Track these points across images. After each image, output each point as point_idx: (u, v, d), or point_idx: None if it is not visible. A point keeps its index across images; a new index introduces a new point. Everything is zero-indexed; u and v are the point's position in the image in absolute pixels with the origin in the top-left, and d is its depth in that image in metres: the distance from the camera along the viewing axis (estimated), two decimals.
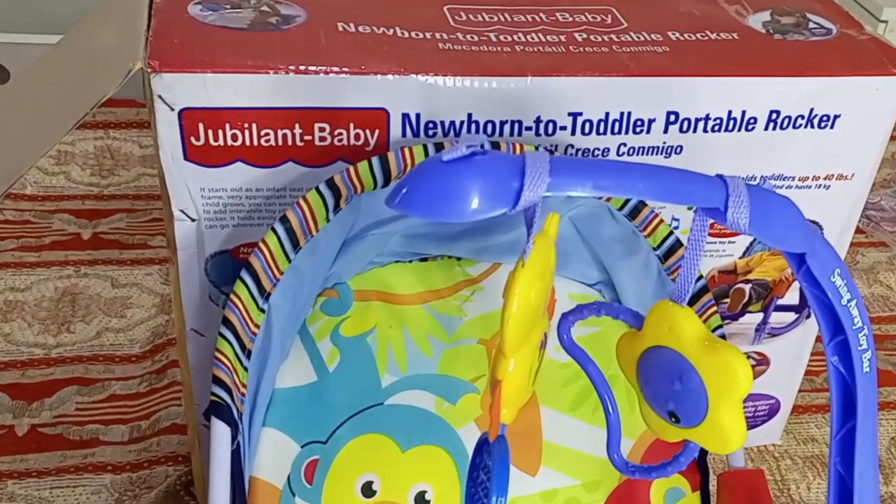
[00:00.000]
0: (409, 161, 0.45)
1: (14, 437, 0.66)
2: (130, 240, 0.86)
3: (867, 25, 0.56)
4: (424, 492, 0.45)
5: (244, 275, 0.42)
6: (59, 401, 0.69)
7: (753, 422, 0.66)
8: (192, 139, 0.46)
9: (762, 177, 0.30)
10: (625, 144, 0.50)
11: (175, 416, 0.68)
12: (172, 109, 0.45)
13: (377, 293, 0.47)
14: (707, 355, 0.31)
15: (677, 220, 0.54)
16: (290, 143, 0.47)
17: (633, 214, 0.47)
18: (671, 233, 0.47)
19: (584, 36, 0.52)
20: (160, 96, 0.45)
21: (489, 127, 0.48)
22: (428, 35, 0.50)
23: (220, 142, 0.46)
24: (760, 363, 0.63)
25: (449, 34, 0.50)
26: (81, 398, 0.69)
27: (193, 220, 0.48)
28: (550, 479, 0.47)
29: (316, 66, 0.45)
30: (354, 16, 0.50)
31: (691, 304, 0.46)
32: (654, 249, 0.47)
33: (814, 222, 0.57)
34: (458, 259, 0.49)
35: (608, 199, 0.47)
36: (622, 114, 0.49)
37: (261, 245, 0.43)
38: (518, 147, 0.46)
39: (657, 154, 0.51)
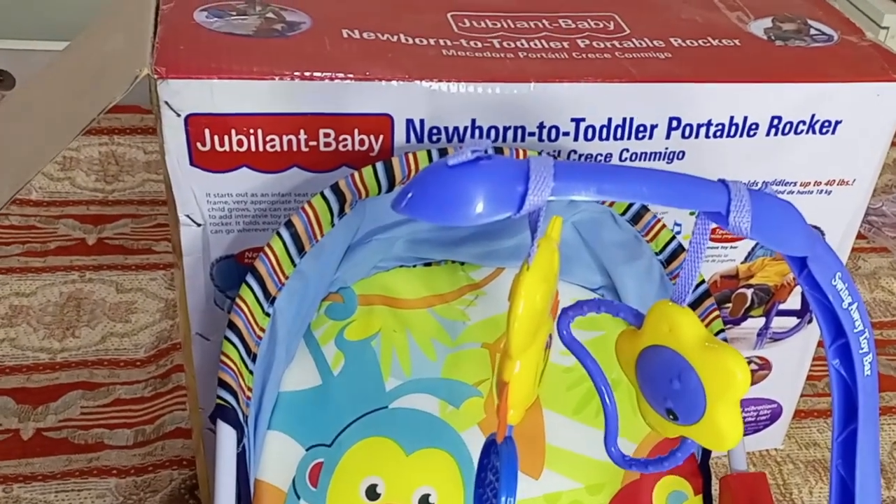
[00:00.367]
0: (413, 166, 0.45)
1: (19, 440, 0.66)
2: (135, 245, 0.86)
3: (868, 32, 0.56)
4: (428, 495, 0.45)
5: (250, 279, 0.42)
6: (64, 405, 0.69)
7: (755, 426, 0.66)
8: (198, 145, 0.46)
9: (764, 182, 0.30)
10: (627, 150, 0.51)
11: (180, 421, 0.68)
12: (179, 115, 0.45)
13: (381, 297, 0.47)
14: (706, 356, 0.32)
15: (679, 224, 0.54)
16: (295, 148, 0.47)
17: (635, 219, 0.47)
18: (673, 238, 0.48)
19: (587, 42, 0.52)
20: (166, 102, 0.45)
21: (492, 132, 0.49)
22: (432, 41, 0.50)
23: (226, 147, 0.47)
24: (762, 368, 0.63)
25: (453, 41, 0.51)
26: (86, 402, 0.70)
27: (199, 225, 0.49)
28: (554, 482, 0.47)
29: (321, 73, 0.46)
30: (359, 23, 0.51)
31: (693, 308, 0.47)
32: (657, 254, 0.48)
33: (815, 227, 0.57)
34: (462, 264, 0.49)
35: (611, 204, 0.47)
36: (625, 119, 0.50)
37: (266, 250, 0.43)
38: (521, 152, 0.46)
39: (659, 160, 0.52)
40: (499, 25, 0.53)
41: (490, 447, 0.35)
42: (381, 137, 0.48)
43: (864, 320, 0.32)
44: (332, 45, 0.48)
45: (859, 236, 0.91)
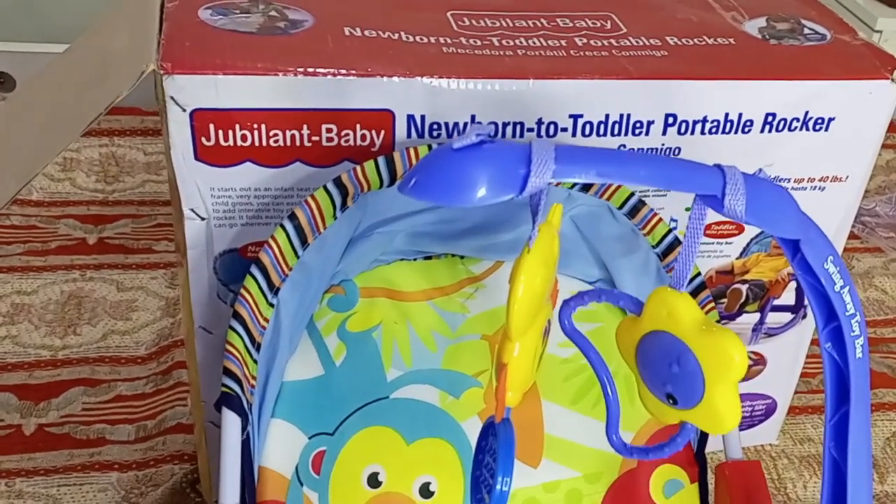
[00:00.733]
0: (414, 161, 0.46)
1: (21, 436, 0.67)
2: (135, 244, 0.87)
3: (861, 34, 0.57)
4: (429, 483, 0.46)
5: (254, 270, 0.43)
6: (65, 401, 0.70)
7: (750, 421, 0.67)
8: (203, 139, 0.47)
9: (759, 168, 0.31)
10: (624, 146, 0.52)
11: (181, 416, 0.69)
12: (184, 110, 0.46)
13: (383, 290, 0.48)
14: (704, 338, 0.32)
15: (675, 220, 0.55)
16: (297, 143, 0.48)
17: (632, 213, 0.48)
18: (670, 231, 0.48)
19: (585, 41, 0.53)
20: (172, 97, 0.46)
21: (492, 128, 0.50)
22: (432, 39, 0.51)
23: (230, 142, 0.47)
24: (757, 363, 0.64)
25: (452, 38, 0.51)
26: (88, 399, 0.70)
27: (203, 218, 0.49)
28: (552, 471, 0.48)
29: (324, 69, 0.47)
30: (360, 21, 0.52)
31: None
32: (653, 247, 0.49)
33: None
34: (462, 257, 0.50)
35: (608, 198, 0.48)
36: (622, 116, 0.51)
37: (270, 241, 0.44)
38: None
39: None
40: (498, 24, 0.54)
41: (488, 430, 0.36)
42: (383, 133, 0.49)
43: (856, 303, 0.33)
44: (335, 43, 0.49)
45: (853, 236, 0.92)
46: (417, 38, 0.51)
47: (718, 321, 0.48)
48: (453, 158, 0.27)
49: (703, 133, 0.52)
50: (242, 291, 0.43)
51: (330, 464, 0.45)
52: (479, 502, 0.35)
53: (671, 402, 0.34)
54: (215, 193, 0.49)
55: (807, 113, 0.53)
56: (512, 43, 0.52)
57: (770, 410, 0.67)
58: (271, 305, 0.43)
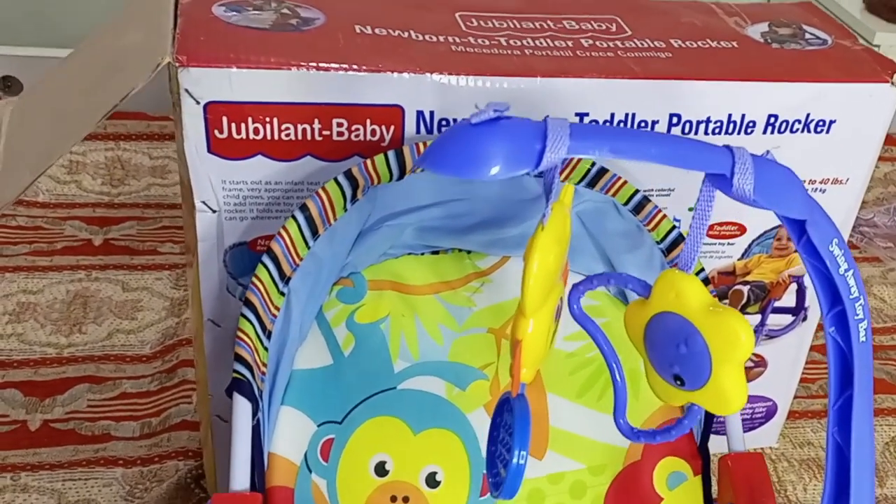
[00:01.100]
0: None
1: (27, 431, 0.67)
2: (141, 246, 0.88)
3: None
4: (435, 472, 0.46)
5: (265, 259, 0.44)
6: (71, 398, 0.70)
7: (751, 423, 0.68)
8: (216, 132, 0.48)
9: (766, 150, 0.32)
10: None
11: (185, 414, 0.69)
12: (198, 103, 0.47)
13: (391, 283, 0.49)
14: (711, 319, 0.33)
15: (678, 220, 0.56)
16: (309, 137, 0.49)
17: (637, 209, 0.49)
18: (674, 227, 0.49)
19: (591, 42, 0.54)
20: (187, 90, 0.47)
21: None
22: (441, 38, 0.52)
23: (243, 135, 0.48)
24: (758, 365, 0.65)
25: (461, 38, 0.52)
26: (93, 396, 0.71)
27: (214, 211, 0.50)
28: (557, 462, 0.48)
29: (336, 64, 0.47)
30: (371, 20, 0.53)
31: None
32: (658, 243, 0.49)
33: None
34: (469, 252, 0.51)
35: (614, 194, 0.49)
36: (627, 115, 0.51)
37: (282, 232, 0.44)
38: None
39: None
40: (505, 25, 0.55)
41: (503, 406, 0.36)
42: (392, 128, 0.49)
43: (860, 287, 0.34)
44: (346, 40, 0.50)
45: (852, 246, 0.93)
46: (427, 37, 0.52)
47: None
48: (470, 133, 0.28)
49: (706, 133, 0.53)
50: (254, 280, 0.44)
51: (338, 452, 0.45)
52: (496, 476, 0.36)
53: (678, 383, 0.35)
54: (227, 186, 0.50)
55: (808, 115, 0.54)
56: (519, 43, 0.53)
57: (770, 413, 0.68)
58: (282, 294, 0.44)
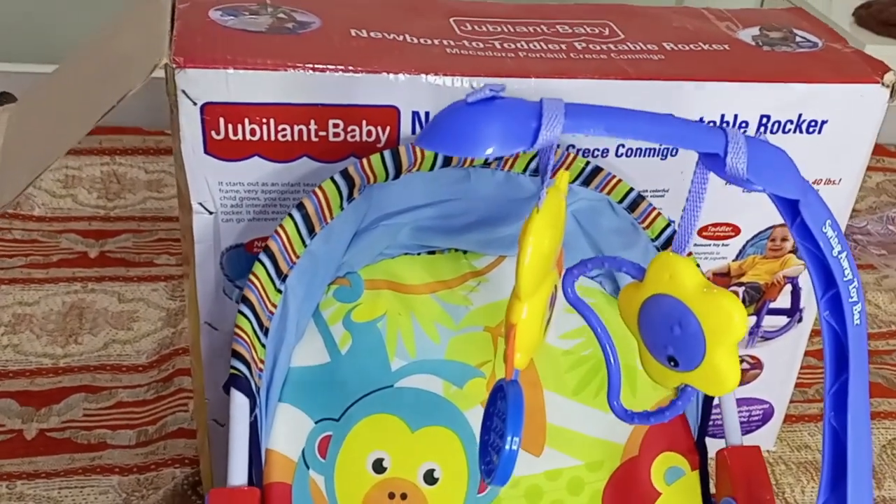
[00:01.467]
0: (419, 155, 0.47)
1: (22, 440, 0.67)
2: (137, 258, 0.88)
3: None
4: (433, 470, 0.47)
5: (262, 257, 0.44)
6: (66, 407, 0.70)
7: (748, 426, 0.68)
8: (213, 133, 0.48)
9: (758, 131, 0.32)
10: (623, 145, 0.53)
11: (182, 422, 0.69)
12: (195, 104, 0.47)
13: (387, 282, 0.49)
14: (704, 299, 0.33)
15: (673, 222, 0.56)
16: (305, 138, 0.49)
17: (632, 207, 0.49)
18: (668, 224, 0.49)
19: (584, 45, 0.54)
20: (184, 91, 0.47)
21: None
22: (436, 41, 0.52)
23: (240, 136, 0.49)
24: (754, 367, 0.65)
25: (455, 41, 0.53)
26: (89, 405, 0.71)
27: (211, 213, 0.50)
28: (554, 459, 0.48)
29: (332, 65, 0.48)
30: (366, 24, 0.53)
31: None
32: (653, 241, 0.50)
33: None
34: (465, 252, 0.51)
35: (609, 192, 0.49)
36: None
37: (279, 229, 0.45)
38: None
39: (654, 156, 0.54)
40: (499, 29, 0.56)
41: (496, 394, 0.36)
42: (388, 129, 0.50)
43: (853, 269, 0.34)
44: (341, 43, 0.51)
45: None
46: (421, 41, 0.52)
47: None
48: (466, 112, 0.29)
49: None
50: (251, 277, 0.44)
51: (336, 448, 0.45)
52: (489, 465, 0.36)
53: (673, 364, 0.35)
54: (223, 188, 0.50)
55: (800, 115, 0.54)
56: (513, 46, 0.53)
57: (767, 416, 0.68)
58: (279, 291, 0.44)
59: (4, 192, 0.48)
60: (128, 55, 0.52)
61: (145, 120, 1.06)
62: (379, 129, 0.50)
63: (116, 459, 0.66)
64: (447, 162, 0.47)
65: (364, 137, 0.50)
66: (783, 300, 0.62)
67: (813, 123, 0.55)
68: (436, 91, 0.49)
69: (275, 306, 0.44)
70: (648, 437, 0.49)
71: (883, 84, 0.54)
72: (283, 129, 0.49)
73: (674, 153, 0.54)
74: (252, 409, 0.42)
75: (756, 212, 0.58)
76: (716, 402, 0.50)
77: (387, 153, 0.47)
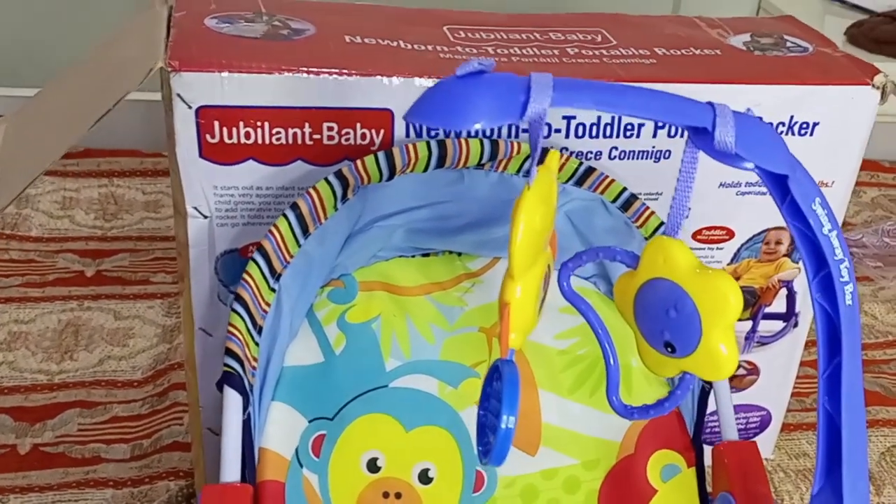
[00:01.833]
0: (412, 156, 0.47)
1: (16, 455, 0.67)
2: (133, 277, 0.88)
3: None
4: (427, 469, 0.46)
5: (256, 256, 0.44)
6: (61, 422, 0.70)
7: (745, 434, 0.68)
8: (208, 136, 0.48)
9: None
10: (616, 148, 0.53)
11: (177, 435, 0.69)
12: (190, 107, 0.48)
13: (381, 284, 0.49)
14: (699, 280, 0.33)
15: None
16: (299, 141, 0.49)
17: (625, 206, 0.50)
18: (662, 223, 0.50)
19: (576, 50, 0.55)
20: (179, 94, 0.47)
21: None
22: (429, 47, 0.53)
23: (234, 139, 0.49)
24: (751, 373, 0.65)
25: (449, 47, 0.53)
26: (83, 420, 0.70)
27: (206, 217, 0.51)
28: (550, 458, 0.48)
29: (326, 69, 0.48)
30: (360, 31, 0.54)
31: None
32: (646, 239, 0.50)
33: None
34: (459, 254, 0.51)
35: (602, 192, 0.49)
36: (613, 118, 0.52)
37: (272, 229, 0.45)
38: (516, 146, 0.49)
39: (647, 158, 0.54)
40: (492, 37, 0.56)
41: (492, 375, 0.36)
42: (382, 132, 0.50)
43: (844, 249, 0.34)
44: (336, 48, 0.51)
45: None
46: (415, 46, 0.53)
47: None
48: (456, 85, 0.29)
49: None
50: (245, 276, 0.44)
51: (329, 447, 0.45)
52: (485, 445, 0.36)
53: (670, 351, 0.35)
54: (218, 192, 0.50)
55: (792, 117, 0.55)
56: (507, 51, 0.54)
57: (765, 423, 0.68)
58: (273, 290, 0.44)
59: (2, 195, 0.48)
60: (124, 61, 0.52)
61: (143, 142, 1.06)
62: (373, 132, 0.50)
63: (111, 473, 0.66)
64: (441, 163, 0.48)
65: (358, 140, 0.50)
66: (778, 304, 0.62)
67: (805, 125, 0.55)
68: None
69: (269, 305, 0.44)
70: (644, 434, 0.48)
71: (873, 86, 0.55)
72: (278, 133, 0.49)
73: (667, 157, 0.54)
74: (245, 407, 0.41)
75: (750, 215, 0.58)
76: (711, 409, 0.49)
77: (381, 154, 0.47)
